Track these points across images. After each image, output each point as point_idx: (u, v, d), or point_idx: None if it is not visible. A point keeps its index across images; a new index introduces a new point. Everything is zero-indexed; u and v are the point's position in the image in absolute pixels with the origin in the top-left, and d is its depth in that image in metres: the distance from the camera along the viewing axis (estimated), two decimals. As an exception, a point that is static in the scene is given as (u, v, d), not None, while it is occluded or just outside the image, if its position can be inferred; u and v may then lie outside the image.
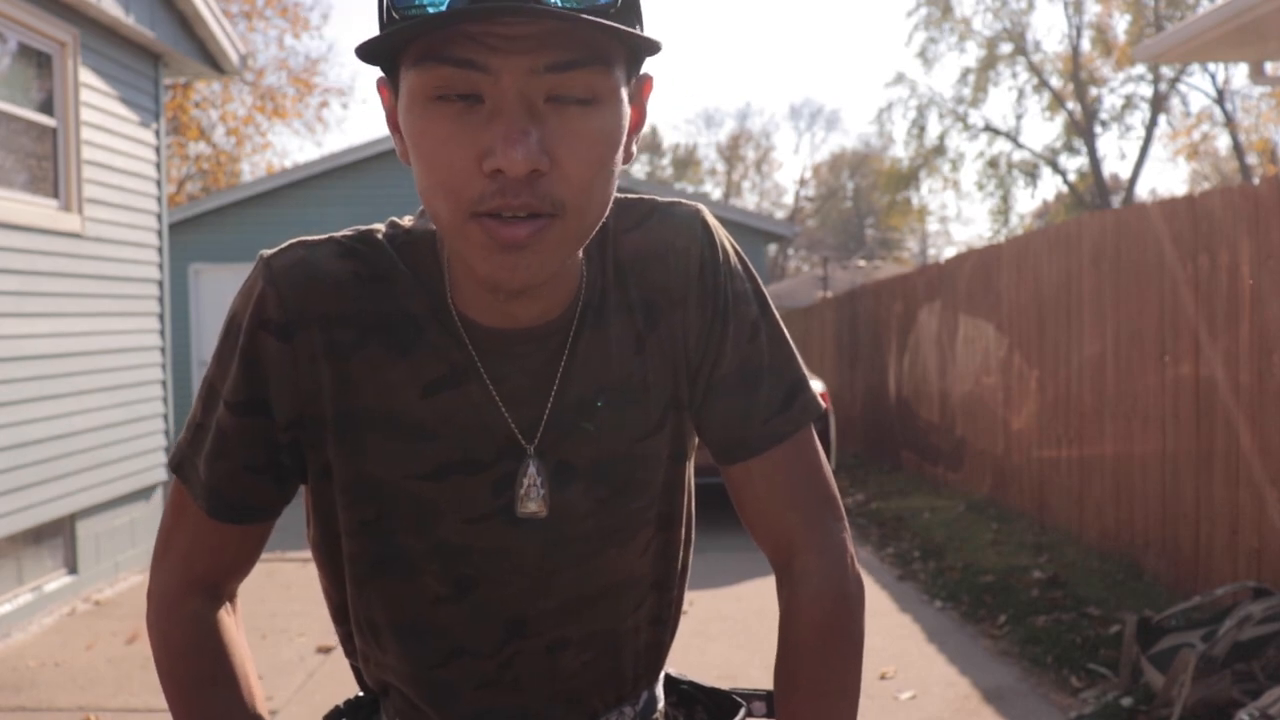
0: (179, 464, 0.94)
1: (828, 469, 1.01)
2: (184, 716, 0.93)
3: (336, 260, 0.89)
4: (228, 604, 0.98)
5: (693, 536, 1.07)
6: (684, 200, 1.00)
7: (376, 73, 0.85)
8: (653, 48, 0.80)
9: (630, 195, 0.99)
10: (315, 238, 0.92)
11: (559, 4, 0.73)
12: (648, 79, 0.88)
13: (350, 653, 1.04)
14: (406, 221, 0.94)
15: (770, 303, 1.01)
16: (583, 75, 0.76)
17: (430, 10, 0.73)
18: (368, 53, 0.77)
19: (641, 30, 0.82)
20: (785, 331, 1.02)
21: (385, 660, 0.99)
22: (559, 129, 0.77)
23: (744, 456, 0.98)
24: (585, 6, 0.74)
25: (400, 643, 0.96)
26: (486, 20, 0.72)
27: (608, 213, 0.87)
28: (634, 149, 0.87)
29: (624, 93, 0.81)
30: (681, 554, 1.05)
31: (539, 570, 0.95)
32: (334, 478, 0.92)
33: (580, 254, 0.92)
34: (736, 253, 1.01)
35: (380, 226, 0.94)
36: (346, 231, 0.92)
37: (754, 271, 1.02)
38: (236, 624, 0.98)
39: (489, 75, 0.74)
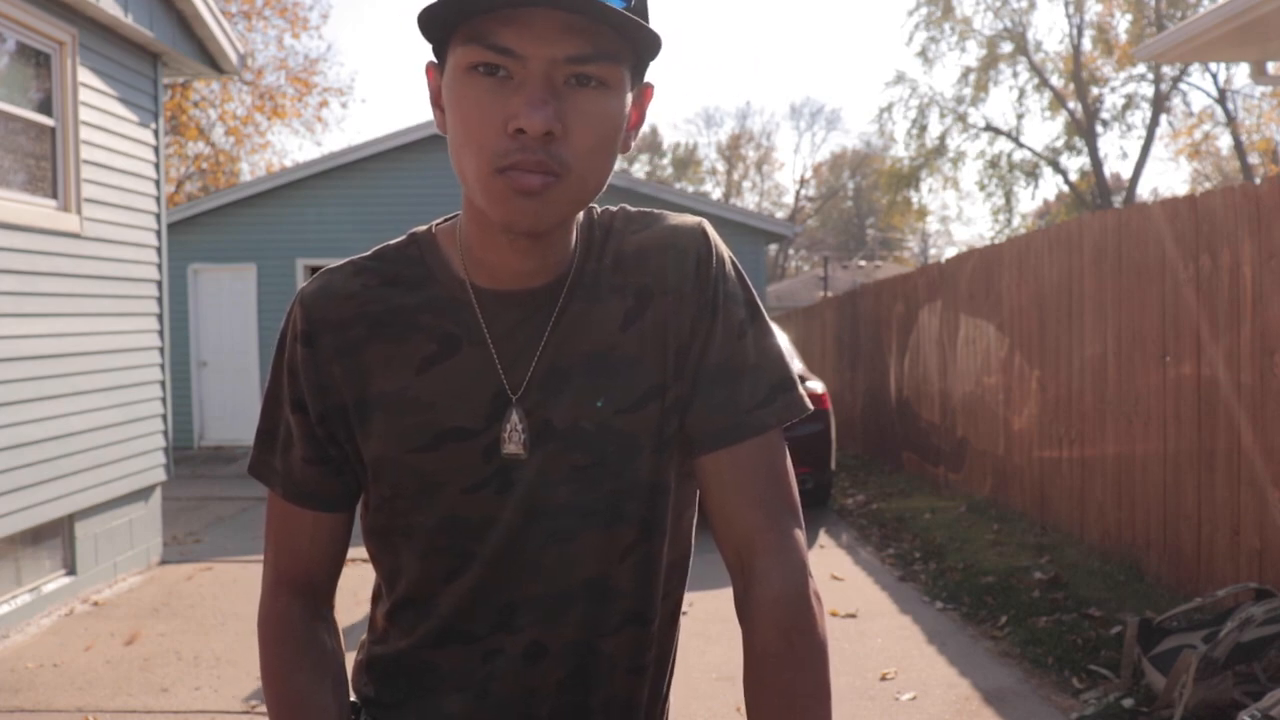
0: (253, 466, 1.11)
1: (794, 481, 1.06)
2: (271, 700, 1.06)
3: (350, 278, 1.05)
4: (323, 620, 1.11)
5: (682, 585, 1.12)
6: (691, 216, 1.10)
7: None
8: (656, 42, 0.93)
9: (643, 209, 1.10)
10: (338, 263, 1.08)
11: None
12: (649, 87, 1.02)
13: (372, 639, 1.14)
14: (427, 225, 1.09)
15: (763, 313, 1.08)
16: (595, 67, 0.90)
17: None
18: (425, 28, 0.92)
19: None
20: (776, 339, 1.08)
21: (396, 641, 1.09)
22: (573, 106, 0.91)
23: (719, 445, 1.02)
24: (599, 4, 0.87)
25: (410, 617, 1.07)
26: (523, 8, 0.87)
27: (616, 213, 1.07)
28: (631, 144, 1.00)
29: (628, 88, 0.95)
30: (663, 582, 1.08)
31: (527, 541, 1.02)
32: (362, 461, 1.05)
33: (575, 232, 1.04)
34: (734, 264, 1.09)
35: (399, 239, 1.08)
36: (366, 253, 1.08)
37: (749, 284, 1.09)
38: (331, 634, 1.11)
39: (518, 60, 0.89)
